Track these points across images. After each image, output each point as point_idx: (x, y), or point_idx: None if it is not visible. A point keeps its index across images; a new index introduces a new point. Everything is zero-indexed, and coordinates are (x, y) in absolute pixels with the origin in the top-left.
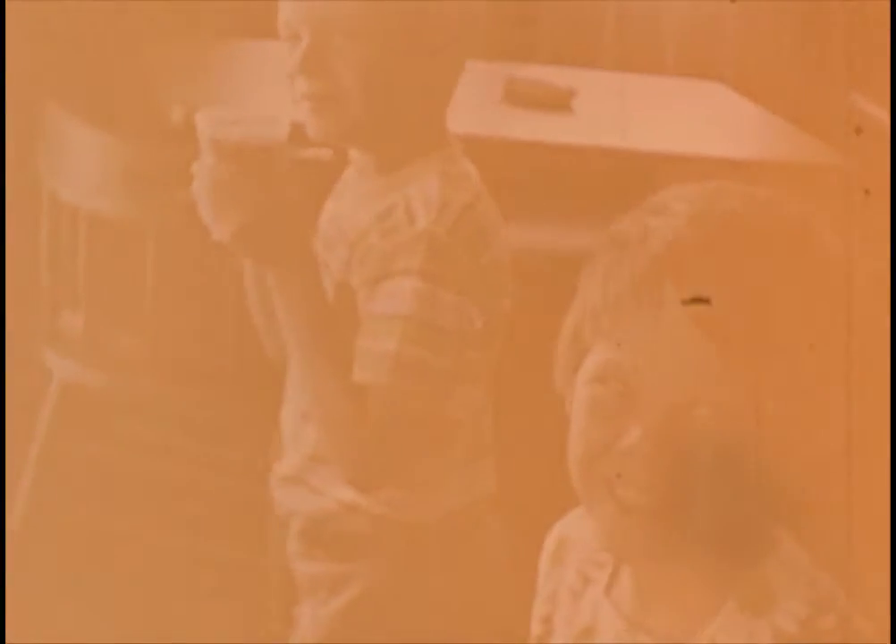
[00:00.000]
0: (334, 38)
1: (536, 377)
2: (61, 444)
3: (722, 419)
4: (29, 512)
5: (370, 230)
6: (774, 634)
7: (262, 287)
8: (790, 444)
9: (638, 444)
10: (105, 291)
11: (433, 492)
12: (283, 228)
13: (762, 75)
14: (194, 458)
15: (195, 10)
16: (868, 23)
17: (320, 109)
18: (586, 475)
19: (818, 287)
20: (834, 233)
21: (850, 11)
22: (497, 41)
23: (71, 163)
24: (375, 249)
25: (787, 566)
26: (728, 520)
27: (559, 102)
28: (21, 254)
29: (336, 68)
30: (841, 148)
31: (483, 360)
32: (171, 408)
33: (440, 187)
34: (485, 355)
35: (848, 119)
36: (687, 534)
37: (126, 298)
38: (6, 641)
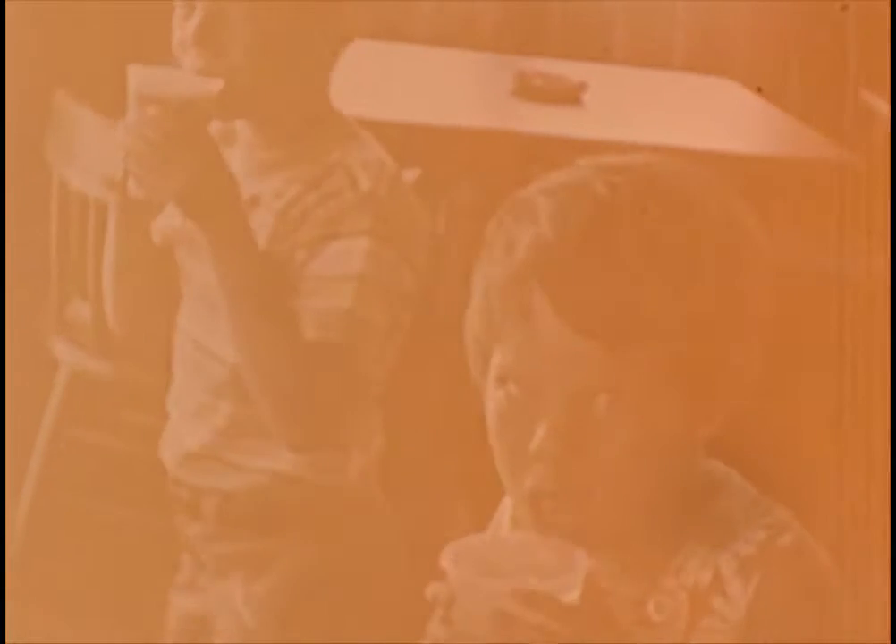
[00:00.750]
0: (230, 10)
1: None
2: (68, 433)
3: (622, 401)
4: (36, 500)
5: (303, 196)
6: (739, 562)
7: (126, 260)
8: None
9: (544, 441)
10: None
11: (351, 451)
12: (223, 186)
13: (771, 71)
14: None
15: None
16: (877, 21)
17: None
18: (511, 482)
19: (694, 260)
20: (722, 204)
21: (860, 8)
22: (508, 35)
23: (80, 151)
24: (313, 213)
25: (739, 498)
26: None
27: (569, 96)
28: (30, 243)
29: (227, 41)
30: (849, 144)
31: (407, 321)
32: None
33: (371, 150)
34: (409, 316)
35: (856, 115)
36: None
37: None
38: (6, 641)
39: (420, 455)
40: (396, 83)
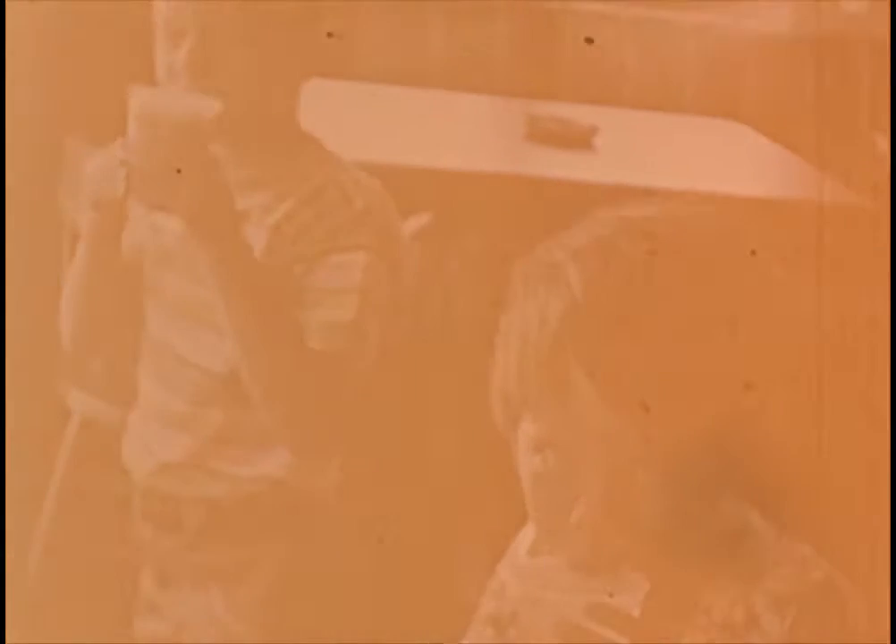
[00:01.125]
0: (220, 38)
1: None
2: (80, 480)
3: (658, 468)
4: (49, 548)
5: (297, 212)
6: (771, 598)
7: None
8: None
9: (585, 515)
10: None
11: (333, 457)
12: (223, 201)
13: (782, 114)
14: None
15: None
16: (886, 65)
17: None
18: (548, 542)
19: (727, 317)
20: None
21: (873, 51)
22: (518, 79)
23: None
24: (310, 228)
25: (761, 536)
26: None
27: (581, 140)
28: (42, 287)
29: (220, 70)
30: (862, 188)
31: (392, 334)
32: None
33: (354, 171)
34: (395, 329)
35: (871, 160)
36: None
37: None
38: (6, 641)
39: (430, 475)
40: (407, 127)
